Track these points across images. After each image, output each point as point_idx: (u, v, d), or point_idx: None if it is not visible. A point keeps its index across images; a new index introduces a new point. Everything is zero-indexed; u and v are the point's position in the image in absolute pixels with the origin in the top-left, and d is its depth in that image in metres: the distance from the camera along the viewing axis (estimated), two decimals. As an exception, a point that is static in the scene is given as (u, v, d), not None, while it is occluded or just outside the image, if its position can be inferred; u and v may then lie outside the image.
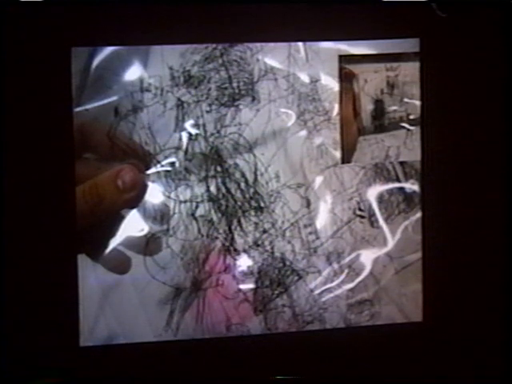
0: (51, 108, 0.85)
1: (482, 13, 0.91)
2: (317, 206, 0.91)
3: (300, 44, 0.89)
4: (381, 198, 0.92)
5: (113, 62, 0.86)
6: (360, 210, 0.92)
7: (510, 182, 0.93)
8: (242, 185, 0.89)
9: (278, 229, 0.90)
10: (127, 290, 0.87)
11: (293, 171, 0.90)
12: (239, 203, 0.89)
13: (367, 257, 0.92)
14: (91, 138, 0.86)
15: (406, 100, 0.92)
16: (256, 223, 0.90)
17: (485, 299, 0.93)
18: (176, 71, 0.87)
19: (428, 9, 0.90)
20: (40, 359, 0.86)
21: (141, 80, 0.87)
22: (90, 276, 0.86)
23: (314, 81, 0.90)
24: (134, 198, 0.87)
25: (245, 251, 0.90)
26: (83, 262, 0.86)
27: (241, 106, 0.89)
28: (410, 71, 0.92)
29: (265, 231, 0.90)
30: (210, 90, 0.88)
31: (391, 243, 0.92)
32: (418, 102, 0.92)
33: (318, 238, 0.91)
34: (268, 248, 0.90)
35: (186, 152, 0.88)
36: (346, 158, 0.91)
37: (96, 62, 0.86)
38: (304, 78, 0.90)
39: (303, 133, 0.90)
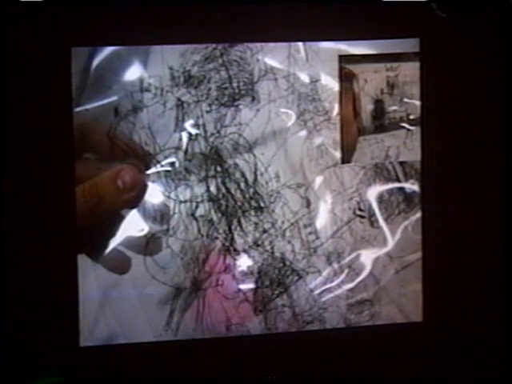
0: (51, 108, 0.85)
1: (481, 13, 0.91)
2: (317, 206, 0.91)
3: (300, 44, 0.89)
4: (381, 198, 0.92)
5: (113, 62, 0.86)
6: (360, 209, 0.92)
7: (510, 181, 0.93)
8: (242, 185, 0.89)
9: (277, 229, 0.90)
10: (127, 290, 0.87)
11: (293, 171, 0.90)
12: (239, 203, 0.89)
13: (367, 257, 0.92)
14: (91, 138, 0.86)
15: (405, 100, 0.92)
16: (256, 223, 0.90)
17: (485, 299, 0.93)
18: (176, 71, 0.87)
19: (428, 9, 0.90)
20: (40, 359, 0.86)
21: (141, 80, 0.87)
22: (90, 276, 0.86)
23: (314, 81, 0.90)
24: (134, 197, 0.87)
25: (245, 251, 0.90)
26: (83, 262, 0.86)
27: (241, 106, 0.89)
28: (410, 71, 0.92)
29: (265, 231, 0.90)
30: (210, 90, 0.88)
31: (391, 243, 0.92)
32: (417, 102, 0.92)
33: (317, 238, 0.91)
34: (268, 248, 0.90)
35: (185, 152, 0.88)
36: (346, 158, 0.91)
37: (96, 61, 0.86)
38: (304, 78, 0.90)
39: (303, 133, 0.90)
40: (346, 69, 0.90)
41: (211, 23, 0.87)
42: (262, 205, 0.90)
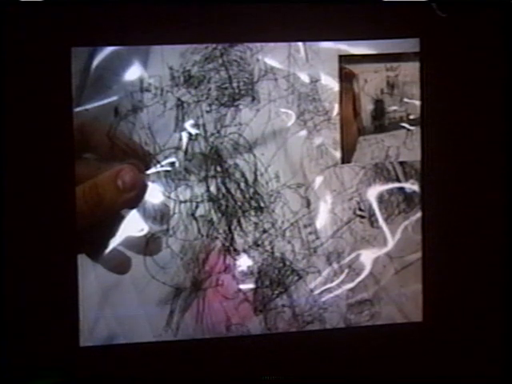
0: (51, 108, 0.85)
1: (481, 13, 0.91)
2: (317, 206, 0.91)
3: (300, 44, 0.89)
4: (381, 198, 0.92)
5: (113, 62, 0.86)
6: (360, 209, 0.92)
7: (510, 181, 0.93)
8: (242, 185, 0.89)
9: (277, 229, 0.90)
10: (127, 290, 0.87)
11: (293, 171, 0.90)
12: (239, 203, 0.89)
13: (367, 257, 0.92)
14: (91, 138, 0.86)
15: (405, 100, 0.92)
16: (256, 223, 0.90)
17: (485, 299, 0.93)
18: (176, 71, 0.87)
19: (428, 9, 0.90)
20: (40, 359, 0.86)
21: (141, 80, 0.87)
22: (90, 276, 0.86)
23: (314, 81, 0.90)
24: (134, 197, 0.87)
25: (245, 251, 0.90)
26: (83, 261, 0.86)
27: (241, 106, 0.89)
28: (410, 71, 0.92)
29: (265, 231, 0.90)
30: (210, 90, 0.88)
31: (391, 243, 0.92)
32: (417, 102, 0.92)
33: (317, 237, 0.91)
34: (268, 248, 0.90)
35: (185, 152, 0.88)
36: (346, 158, 0.91)
37: (96, 62, 0.86)
38: (304, 77, 0.90)
39: (303, 133, 0.90)
40: (346, 69, 0.90)
41: (211, 23, 0.87)
42: (261, 205, 0.90)
